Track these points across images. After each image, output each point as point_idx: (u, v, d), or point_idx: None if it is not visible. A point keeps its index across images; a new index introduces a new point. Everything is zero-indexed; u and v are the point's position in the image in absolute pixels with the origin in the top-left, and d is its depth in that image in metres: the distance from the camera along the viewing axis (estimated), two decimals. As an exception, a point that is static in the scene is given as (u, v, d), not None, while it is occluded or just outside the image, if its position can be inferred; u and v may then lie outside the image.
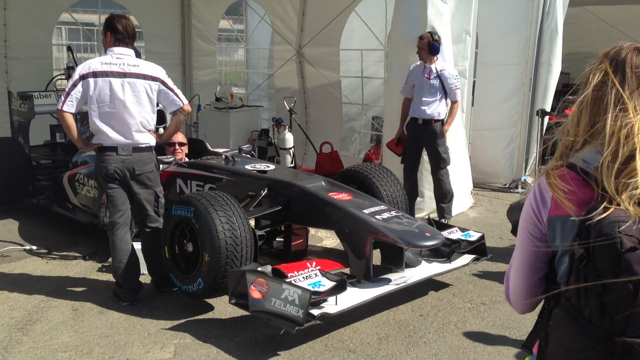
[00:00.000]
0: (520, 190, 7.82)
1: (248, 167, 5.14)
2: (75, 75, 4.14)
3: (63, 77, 8.11)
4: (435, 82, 6.01)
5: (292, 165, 7.91)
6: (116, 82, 4.17)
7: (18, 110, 7.03)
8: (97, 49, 11.78)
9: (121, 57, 4.22)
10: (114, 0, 10.35)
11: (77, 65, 7.87)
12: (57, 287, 4.71)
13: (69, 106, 4.12)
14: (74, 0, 9.80)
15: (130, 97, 4.19)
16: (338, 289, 3.83)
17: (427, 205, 6.50)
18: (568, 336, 1.36)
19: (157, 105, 4.43)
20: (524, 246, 1.52)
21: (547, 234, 1.45)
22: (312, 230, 5.50)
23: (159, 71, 4.32)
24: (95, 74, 4.14)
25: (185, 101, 4.40)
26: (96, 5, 10.77)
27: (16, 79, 8.80)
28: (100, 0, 10.43)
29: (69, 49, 8.48)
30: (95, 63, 4.19)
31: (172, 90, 4.33)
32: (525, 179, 7.92)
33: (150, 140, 4.35)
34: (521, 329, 4.09)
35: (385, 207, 4.43)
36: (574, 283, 1.33)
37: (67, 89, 4.14)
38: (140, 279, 4.57)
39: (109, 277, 4.91)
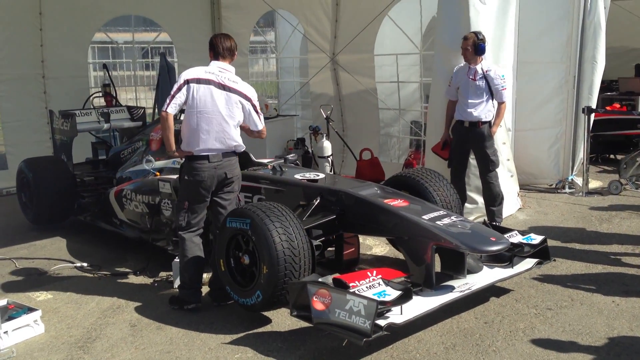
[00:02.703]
0: (567, 190, 7.61)
1: (297, 176, 5.07)
2: (181, 80, 4.35)
3: (100, 94, 8.19)
4: (481, 83, 5.87)
5: (331, 173, 7.82)
6: (216, 91, 4.36)
7: (60, 128, 7.09)
8: (131, 67, 11.88)
9: (223, 71, 4.44)
10: (146, 17, 10.43)
11: (112, 83, 8.08)
12: (112, 304, 4.68)
13: (173, 108, 4.33)
14: (107, 19, 9.89)
15: (225, 108, 4.38)
16: (404, 298, 3.71)
17: (477, 210, 6.34)
18: None
19: None
20: None
21: None
22: (360, 239, 5.38)
23: (252, 93, 4.53)
24: (198, 80, 4.35)
25: (263, 125, 4.61)
26: (129, 24, 10.87)
27: (54, 98, 8.92)
28: (133, 18, 10.52)
29: (105, 66, 8.57)
30: (199, 71, 4.40)
31: (257, 113, 4.54)
32: (572, 179, 7.71)
33: (236, 147, 4.49)
34: (593, 334, 3.93)
35: (445, 212, 4.31)
36: None
37: (172, 92, 4.34)
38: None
39: (162, 292, 4.88)
